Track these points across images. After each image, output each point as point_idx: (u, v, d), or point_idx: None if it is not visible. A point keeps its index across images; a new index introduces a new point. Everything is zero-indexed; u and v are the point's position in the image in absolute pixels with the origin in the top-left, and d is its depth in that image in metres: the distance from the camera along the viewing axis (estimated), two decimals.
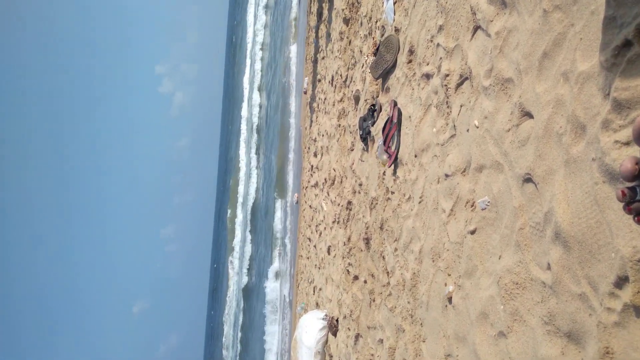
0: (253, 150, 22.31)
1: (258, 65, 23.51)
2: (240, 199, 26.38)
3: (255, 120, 22.20)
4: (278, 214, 15.45)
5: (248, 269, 21.42)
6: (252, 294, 20.86)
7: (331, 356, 6.06)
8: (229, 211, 29.51)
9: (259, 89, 22.81)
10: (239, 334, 22.78)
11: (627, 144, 1.47)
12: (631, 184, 1.13)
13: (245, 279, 21.75)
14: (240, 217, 25.54)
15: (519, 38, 2.15)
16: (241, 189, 26.02)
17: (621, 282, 1.43)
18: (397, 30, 4.13)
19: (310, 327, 6.47)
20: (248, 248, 21.68)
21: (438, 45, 3.18)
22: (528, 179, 2.02)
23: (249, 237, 21.86)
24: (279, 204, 15.55)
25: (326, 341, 6.32)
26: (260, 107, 22.10)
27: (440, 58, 3.12)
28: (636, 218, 1.12)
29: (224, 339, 28.08)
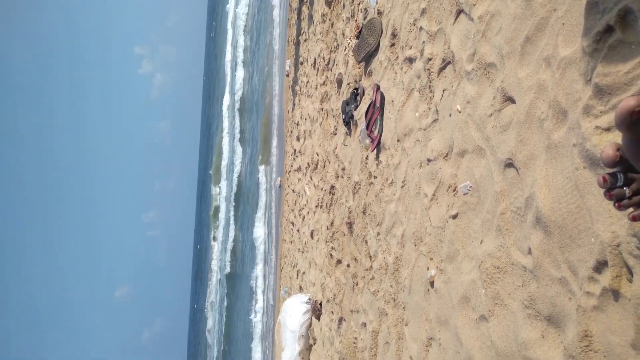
0: (236, 132, 22.13)
1: (240, 47, 23.16)
2: (222, 182, 26.25)
3: (238, 102, 21.98)
4: (262, 197, 15.42)
5: (232, 251, 21.41)
6: (235, 277, 20.89)
7: (315, 339, 6.11)
8: (212, 189, 29.27)
9: (241, 70, 22.51)
10: (224, 318, 22.86)
11: (608, 129, 1.48)
12: (612, 170, 1.13)
13: (228, 262, 21.74)
14: (224, 197, 25.43)
15: (502, 22, 2.14)
16: (224, 171, 25.89)
17: (600, 266, 1.45)
18: (379, 13, 4.09)
19: (294, 310, 6.50)
20: (232, 230, 21.64)
21: (421, 28, 3.15)
22: (510, 164, 2.02)
23: (232, 217, 21.79)
24: (262, 187, 15.51)
25: (310, 325, 6.37)
26: (243, 88, 21.85)
27: (423, 42, 3.10)
28: (617, 204, 1.12)
29: (207, 323, 28.15)
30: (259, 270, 15.04)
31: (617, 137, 1.42)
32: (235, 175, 21.40)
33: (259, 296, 14.75)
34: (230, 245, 21.64)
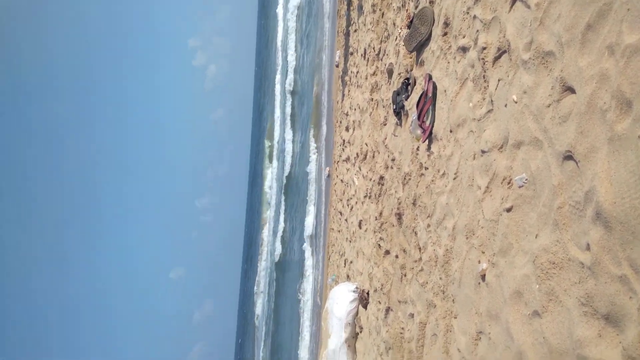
0: (287, 120, 22.36)
1: (290, 37, 23.31)
2: (273, 169, 26.66)
3: (288, 92, 22.18)
4: (311, 185, 15.55)
5: (281, 237, 21.73)
6: (284, 262, 21.24)
7: (361, 328, 6.15)
8: (263, 176, 29.74)
9: (292, 61, 22.68)
10: (272, 303, 23.34)
11: None
12: None
13: (278, 248, 22.09)
14: (275, 184, 25.80)
15: (561, 9, 2.06)
16: (274, 158, 26.30)
17: None
18: (431, 2, 4.01)
19: (341, 298, 6.55)
20: (282, 216, 21.96)
21: (475, 17, 3.07)
22: (569, 157, 1.96)
23: (282, 204, 22.09)
24: (312, 176, 15.63)
25: (357, 313, 6.40)
26: (293, 78, 22.01)
27: (477, 30, 3.03)
28: None
29: (256, 306, 28.81)
30: (307, 256, 15.22)
31: None
32: (286, 163, 21.66)
33: (307, 281, 14.94)
34: (280, 230, 22.00)
